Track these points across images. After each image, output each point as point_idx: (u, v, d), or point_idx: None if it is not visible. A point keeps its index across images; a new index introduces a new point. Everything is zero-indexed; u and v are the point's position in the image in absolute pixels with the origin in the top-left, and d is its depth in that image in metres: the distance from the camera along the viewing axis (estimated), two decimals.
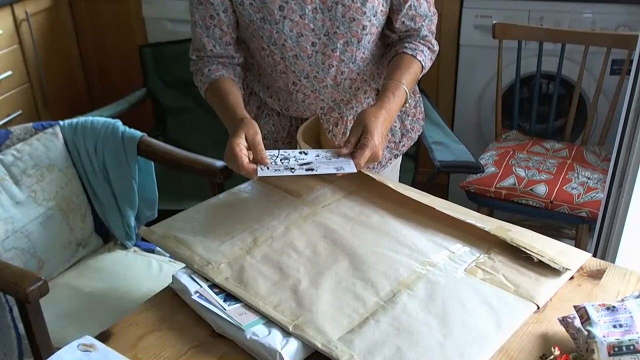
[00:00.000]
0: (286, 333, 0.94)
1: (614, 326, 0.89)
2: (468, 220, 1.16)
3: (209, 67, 1.39)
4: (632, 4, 2.43)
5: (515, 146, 2.36)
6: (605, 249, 1.70)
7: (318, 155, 1.24)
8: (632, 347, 0.86)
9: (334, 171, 1.18)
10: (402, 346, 0.90)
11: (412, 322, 0.95)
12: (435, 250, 1.11)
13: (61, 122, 1.88)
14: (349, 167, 1.18)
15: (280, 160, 1.21)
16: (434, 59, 1.45)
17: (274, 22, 1.32)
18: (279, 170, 1.17)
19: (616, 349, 0.87)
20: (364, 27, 1.35)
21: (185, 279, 1.06)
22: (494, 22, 2.37)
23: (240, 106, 1.31)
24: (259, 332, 0.94)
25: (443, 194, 2.44)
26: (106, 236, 1.98)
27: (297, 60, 1.37)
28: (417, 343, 0.91)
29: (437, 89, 2.81)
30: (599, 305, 0.93)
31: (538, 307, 0.99)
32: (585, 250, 1.15)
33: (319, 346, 0.91)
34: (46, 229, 1.77)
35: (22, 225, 1.72)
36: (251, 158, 1.19)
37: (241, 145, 1.18)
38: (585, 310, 0.92)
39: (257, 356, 0.94)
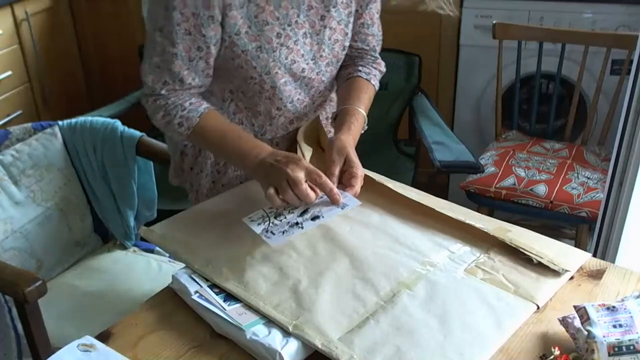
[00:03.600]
0: (286, 333, 0.94)
1: (614, 326, 0.89)
2: (468, 221, 1.16)
3: (189, 100, 1.29)
4: (632, 4, 2.43)
5: (515, 146, 2.36)
6: (605, 249, 1.70)
7: None
8: (632, 347, 0.86)
9: (341, 211, 1.18)
10: (402, 346, 0.90)
11: (412, 322, 0.95)
12: (435, 250, 1.11)
13: (60, 123, 1.88)
14: (352, 202, 1.18)
15: (275, 218, 1.17)
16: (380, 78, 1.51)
17: (271, 51, 1.27)
18: (287, 231, 1.14)
19: (616, 349, 0.87)
20: (344, 48, 1.38)
21: (185, 279, 1.06)
22: (494, 22, 2.37)
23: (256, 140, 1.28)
24: (259, 332, 0.94)
25: (443, 194, 2.43)
26: (105, 236, 1.98)
27: (285, 87, 1.34)
28: (417, 343, 0.91)
29: (437, 89, 2.80)
30: (599, 305, 0.93)
31: (538, 307, 0.99)
32: (585, 250, 1.15)
33: (319, 346, 0.91)
34: (45, 229, 1.77)
35: (20, 226, 1.72)
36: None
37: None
38: (585, 310, 0.91)
39: (257, 356, 0.94)
